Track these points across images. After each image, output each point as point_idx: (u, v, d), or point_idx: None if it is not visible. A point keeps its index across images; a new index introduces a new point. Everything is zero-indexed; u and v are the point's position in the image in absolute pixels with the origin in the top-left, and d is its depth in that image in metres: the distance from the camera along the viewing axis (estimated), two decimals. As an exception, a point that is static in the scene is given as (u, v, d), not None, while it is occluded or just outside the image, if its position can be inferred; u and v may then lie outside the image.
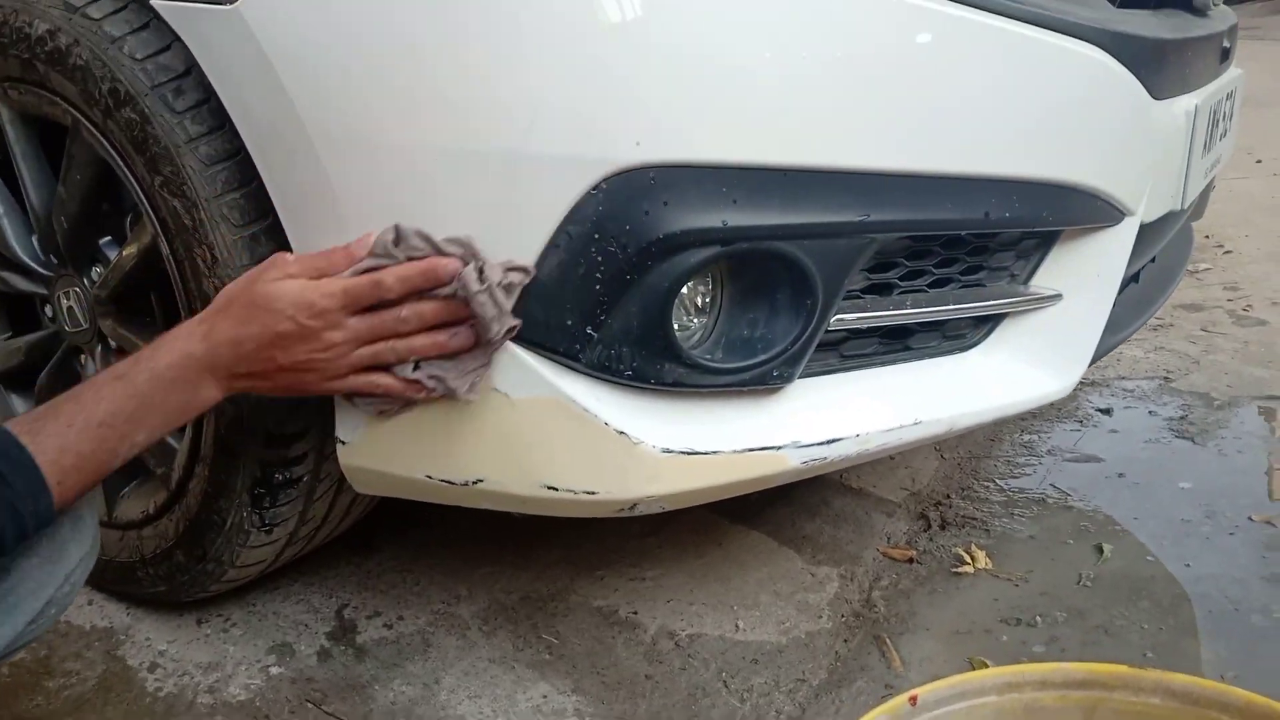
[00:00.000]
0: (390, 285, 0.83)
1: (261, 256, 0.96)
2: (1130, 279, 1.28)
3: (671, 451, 0.90)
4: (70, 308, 1.17)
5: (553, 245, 0.84)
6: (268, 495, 1.05)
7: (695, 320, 0.93)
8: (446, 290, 0.84)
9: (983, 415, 1.07)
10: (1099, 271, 1.10)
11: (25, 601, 0.80)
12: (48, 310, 1.22)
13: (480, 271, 0.82)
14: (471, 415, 0.91)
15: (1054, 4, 0.99)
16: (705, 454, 0.92)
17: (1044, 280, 1.09)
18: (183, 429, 1.07)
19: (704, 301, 0.93)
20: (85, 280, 1.14)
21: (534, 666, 1.14)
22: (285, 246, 0.95)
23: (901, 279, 1.00)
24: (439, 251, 0.83)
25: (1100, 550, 1.33)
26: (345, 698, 1.10)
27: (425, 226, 0.86)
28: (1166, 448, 1.61)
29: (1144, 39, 1.08)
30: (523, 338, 0.88)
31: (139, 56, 0.96)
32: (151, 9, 0.96)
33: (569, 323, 0.86)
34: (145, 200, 1.00)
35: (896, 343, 1.04)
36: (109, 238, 1.13)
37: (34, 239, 1.19)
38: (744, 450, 0.93)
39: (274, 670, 1.14)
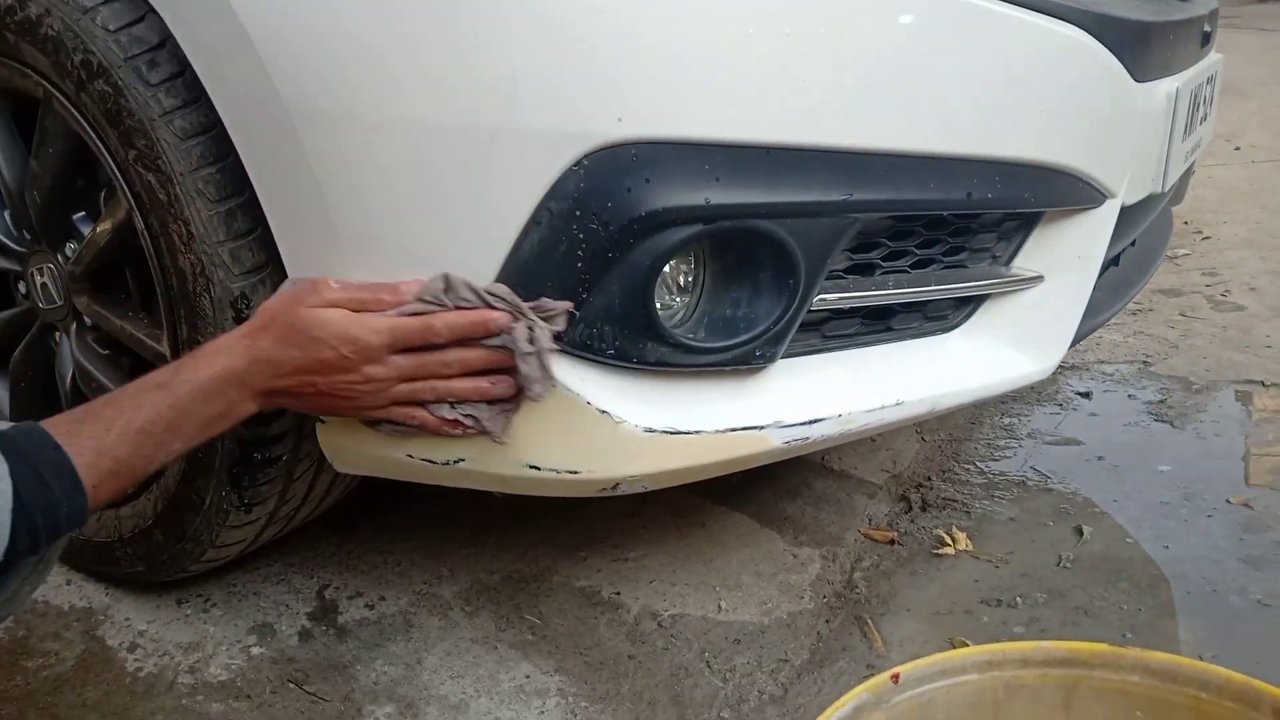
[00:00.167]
0: (439, 331, 0.85)
1: (238, 232, 0.95)
2: (1111, 261, 1.29)
3: (654, 431, 0.90)
4: (44, 284, 1.15)
5: (534, 222, 0.84)
6: (247, 474, 1.04)
7: (678, 299, 0.92)
8: (494, 341, 0.85)
9: (964, 396, 1.07)
10: (1080, 254, 1.10)
11: None
12: (21, 287, 1.20)
13: (531, 332, 0.84)
14: (452, 394, 0.90)
15: (1037, -15, 0.99)
16: (688, 434, 0.92)
17: (1025, 262, 1.10)
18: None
19: (686, 280, 0.92)
20: (59, 256, 1.13)
21: (517, 646, 1.14)
22: (262, 222, 0.94)
23: (884, 259, 1.00)
24: (485, 303, 0.85)
25: (1080, 532, 1.34)
26: (327, 678, 1.09)
27: (404, 203, 0.86)
28: (1145, 431, 1.62)
29: (1126, 21, 1.08)
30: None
31: (112, 28, 0.94)
32: (126, -21, 0.94)
33: (551, 300, 0.86)
34: (119, 175, 0.98)
35: (879, 323, 1.04)
36: (83, 213, 1.12)
37: (6, 214, 1.17)
38: (726, 430, 0.93)
39: (255, 650, 1.13)
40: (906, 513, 1.40)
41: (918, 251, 1.02)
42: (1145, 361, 1.87)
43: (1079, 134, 1.05)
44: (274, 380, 0.85)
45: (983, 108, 0.97)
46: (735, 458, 0.95)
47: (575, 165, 0.82)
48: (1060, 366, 1.13)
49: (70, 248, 1.12)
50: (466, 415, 0.88)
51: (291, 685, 1.08)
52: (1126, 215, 1.16)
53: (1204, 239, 2.56)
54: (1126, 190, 1.13)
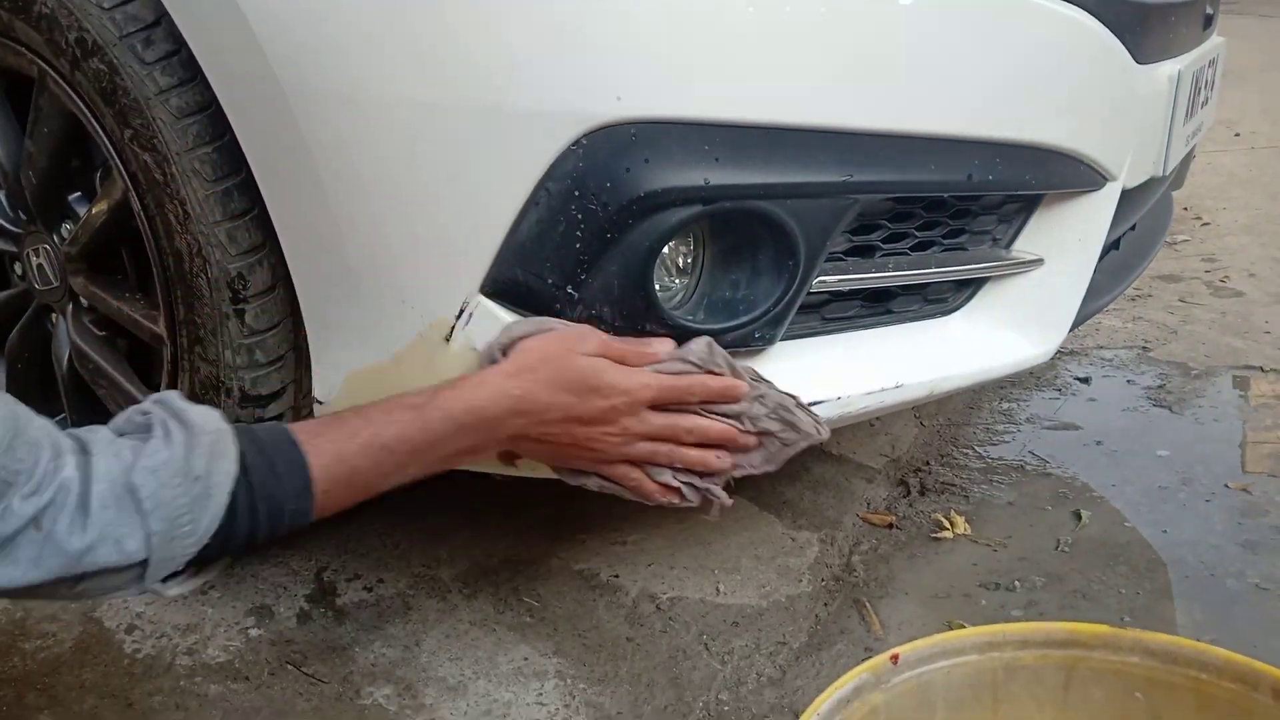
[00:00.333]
0: (695, 392, 0.85)
1: (235, 212, 0.94)
2: (1111, 245, 1.28)
3: (653, 412, 0.90)
4: (40, 265, 1.14)
5: (532, 202, 0.83)
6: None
7: (677, 281, 0.92)
8: (732, 409, 0.86)
9: (963, 379, 1.07)
10: (1080, 237, 1.10)
11: None
12: (17, 268, 1.20)
13: (765, 407, 0.87)
14: (452, 375, 0.89)
15: (1040, -36, 0.98)
16: (686, 415, 0.91)
17: (1026, 245, 1.09)
18: (156, 387, 1.06)
19: (685, 262, 0.92)
20: (55, 237, 1.12)
21: (515, 629, 1.14)
22: (259, 202, 0.93)
23: (884, 241, 1.00)
24: (734, 373, 0.86)
25: (1078, 516, 1.34)
26: (325, 659, 1.09)
27: (401, 183, 0.85)
28: (1144, 416, 1.62)
29: (1128, 3, 1.08)
30: (504, 297, 0.86)
31: (107, 5, 0.94)
32: (120, -43, 0.94)
33: (549, 282, 0.85)
34: (115, 154, 0.98)
35: (878, 306, 1.04)
36: (79, 193, 1.11)
37: (1, 195, 1.17)
38: (725, 412, 0.93)
39: (253, 632, 1.13)
40: (905, 497, 1.40)
41: (918, 234, 1.02)
42: (1144, 347, 1.87)
43: (1080, 116, 1.04)
44: (532, 427, 0.83)
45: (983, 88, 0.96)
46: (734, 439, 0.95)
47: (574, 145, 0.82)
48: (1059, 352, 1.13)
49: (66, 228, 1.11)
50: (686, 484, 0.89)
51: (290, 667, 1.08)
52: (1127, 198, 1.16)
53: (1203, 225, 2.55)
54: (1127, 173, 1.12)
